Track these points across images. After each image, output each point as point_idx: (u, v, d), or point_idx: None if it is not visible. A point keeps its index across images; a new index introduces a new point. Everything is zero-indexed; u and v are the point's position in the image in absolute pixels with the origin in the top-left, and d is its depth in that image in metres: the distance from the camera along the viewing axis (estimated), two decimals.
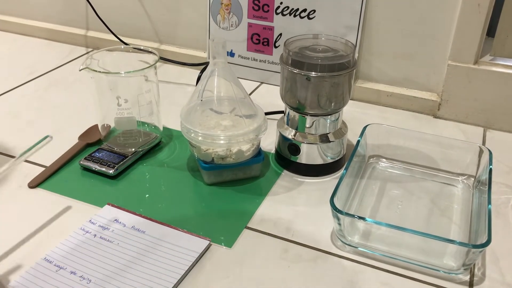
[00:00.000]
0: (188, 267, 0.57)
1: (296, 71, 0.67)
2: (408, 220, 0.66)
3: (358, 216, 0.59)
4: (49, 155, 0.76)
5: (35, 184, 0.70)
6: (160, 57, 1.03)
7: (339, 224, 0.60)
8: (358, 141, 0.72)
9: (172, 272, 0.56)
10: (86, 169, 0.74)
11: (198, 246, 0.59)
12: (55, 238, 0.61)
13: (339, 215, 0.59)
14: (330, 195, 0.60)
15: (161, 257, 0.58)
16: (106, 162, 0.73)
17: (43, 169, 0.73)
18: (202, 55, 1.05)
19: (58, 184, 0.71)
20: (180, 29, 1.07)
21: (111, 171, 0.72)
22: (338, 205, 0.59)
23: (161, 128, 0.80)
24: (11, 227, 0.63)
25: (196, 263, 0.58)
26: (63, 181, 0.71)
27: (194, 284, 0.56)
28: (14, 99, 0.94)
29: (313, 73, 0.67)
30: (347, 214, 0.58)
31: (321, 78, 0.67)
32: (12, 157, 0.76)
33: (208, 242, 0.60)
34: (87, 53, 1.13)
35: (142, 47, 0.78)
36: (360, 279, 0.57)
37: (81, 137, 0.81)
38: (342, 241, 0.62)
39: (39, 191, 0.70)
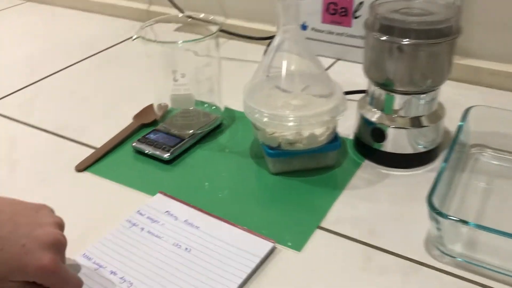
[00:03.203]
0: (247, 274, 0.47)
1: (384, 38, 0.55)
2: None
3: (474, 224, 0.46)
4: (101, 136, 0.69)
5: (83, 167, 0.63)
6: (224, 30, 0.94)
7: (438, 228, 0.48)
8: (460, 126, 0.58)
9: (228, 280, 0.46)
10: (139, 152, 0.66)
11: (260, 249, 0.49)
12: (98, 230, 0.53)
13: (439, 218, 0.46)
14: (422, 191, 0.48)
15: (216, 260, 0.48)
16: (160, 144, 0.65)
17: (92, 150, 0.66)
18: (270, 29, 0.95)
19: (107, 168, 0.63)
20: (247, 1, 0.96)
21: (165, 155, 0.63)
22: (436, 204, 0.47)
23: (222, 109, 0.71)
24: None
25: (257, 269, 0.48)
26: (113, 165, 0.64)
27: None
28: (71, 75, 0.89)
29: (406, 40, 0.54)
30: (450, 217, 0.46)
31: (416, 46, 0.54)
32: (61, 137, 0.70)
33: (272, 244, 0.50)
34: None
35: (202, 15, 0.68)
36: None
37: (135, 117, 0.73)
38: (440, 250, 0.49)
39: (86, 175, 0.63)
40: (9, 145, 0.69)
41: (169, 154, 0.63)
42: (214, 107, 0.70)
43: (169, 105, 0.69)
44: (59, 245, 0.43)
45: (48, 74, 0.89)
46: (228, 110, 0.74)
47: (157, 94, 0.69)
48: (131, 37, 1.01)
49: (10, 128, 0.73)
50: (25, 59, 0.95)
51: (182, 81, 0.64)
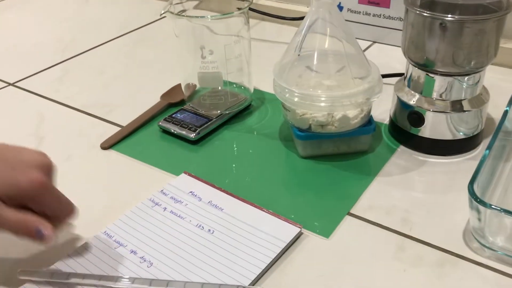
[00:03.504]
0: (272, 259, 0.44)
1: (426, 14, 0.51)
2: None
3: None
4: (128, 114, 0.68)
5: (108, 145, 0.62)
6: (256, 10, 0.91)
7: (479, 219, 0.44)
8: (506, 112, 0.54)
9: (251, 264, 0.44)
10: (166, 131, 0.64)
11: (286, 234, 0.47)
12: (120, 207, 0.52)
13: (481, 207, 0.42)
14: (461, 180, 0.45)
15: (239, 243, 0.46)
16: (187, 124, 0.63)
17: (118, 129, 0.65)
18: (304, 9, 0.91)
19: (133, 147, 0.62)
20: None
21: (192, 135, 0.61)
22: (478, 193, 0.43)
23: (252, 90, 0.68)
24: (76, 191, 0.55)
25: (283, 254, 0.46)
26: (138, 144, 0.63)
27: (279, 280, 0.44)
28: (101, 54, 0.88)
29: (450, 16, 0.50)
30: (494, 207, 0.42)
31: (460, 23, 0.50)
32: (88, 114, 0.69)
33: (299, 229, 0.47)
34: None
35: None
36: None
37: (163, 96, 0.72)
38: (480, 243, 0.46)
39: (111, 153, 0.61)
40: (37, 121, 0.69)
41: (195, 134, 0.62)
42: (243, 88, 0.67)
43: (197, 85, 0.67)
44: (48, 167, 0.43)
45: (78, 53, 0.88)
46: (257, 91, 0.72)
47: (185, 73, 0.67)
48: (159, 19, 1.00)
49: (39, 105, 0.73)
50: (56, 38, 0.95)
51: (210, 59, 0.62)
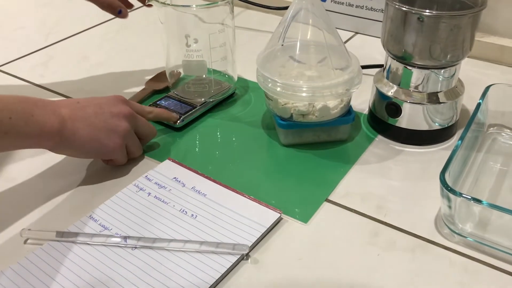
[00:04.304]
0: (252, 242, 0.46)
1: (405, 8, 0.53)
2: None
3: (487, 203, 0.44)
4: None
5: None
6: None
7: (450, 207, 0.46)
8: (479, 104, 0.56)
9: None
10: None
11: (267, 219, 0.49)
12: (105, 192, 0.53)
13: (451, 195, 0.45)
14: (435, 169, 0.47)
15: (221, 227, 0.48)
16: (171, 111, 0.64)
17: None
18: None
19: None
20: None
21: (176, 122, 0.63)
22: (449, 182, 0.46)
23: (235, 78, 0.69)
24: (61, 177, 0.56)
25: (263, 238, 0.48)
26: None
27: (259, 264, 0.46)
28: (84, 40, 0.88)
29: (427, 11, 0.52)
30: (463, 195, 0.44)
31: (437, 18, 0.52)
32: None
33: (279, 214, 0.49)
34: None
35: None
36: (473, 280, 0.44)
37: (147, 83, 0.72)
38: (450, 229, 0.48)
39: None
40: None
41: (179, 121, 0.63)
42: (227, 76, 0.68)
43: (182, 72, 0.68)
44: (129, 116, 0.55)
45: (62, 38, 0.88)
46: (241, 80, 0.73)
47: (169, 60, 0.68)
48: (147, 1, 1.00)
49: (23, 90, 0.73)
50: (40, 22, 0.94)
51: (195, 47, 0.63)
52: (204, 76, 0.66)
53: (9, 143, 0.47)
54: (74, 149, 0.52)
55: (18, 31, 0.91)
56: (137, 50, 0.84)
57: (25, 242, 0.48)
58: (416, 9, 0.52)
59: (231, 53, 0.67)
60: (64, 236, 0.47)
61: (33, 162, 0.58)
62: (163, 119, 0.63)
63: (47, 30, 0.91)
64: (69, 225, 0.49)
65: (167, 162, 0.57)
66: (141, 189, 0.53)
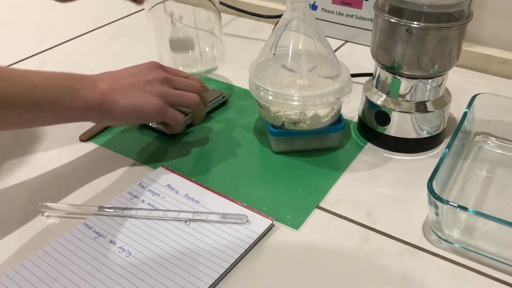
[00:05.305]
0: (245, 249, 0.47)
1: (394, 20, 0.54)
2: None
3: (473, 211, 0.46)
4: None
5: (87, 137, 0.64)
6: (233, 7, 0.93)
7: (437, 214, 0.48)
8: (465, 113, 0.58)
9: (225, 254, 0.47)
10: (144, 125, 0.66)
11: (259, 226, 0.50)
12: (99, 199, 0.54)
13: (438, 202, 0.46)
14: (423, 176, 0.48)
15: (214, 234, 0.49)
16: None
17: None
18: (280, 7, 0.94)
19: (111, 140, 0.64)
20: None
21: (168, 131, 0.63)
22: (436, 190, 0.47)
23: (223, 55, 0.69)
24: (54, 183, 0.57)
25: (255, 245, 0.49)
26: (117, 137, 0.64)
27: (251, 270, 0.46)
28: (78, 46, 0.89)
29: (415, 23, 0.53)
30: (450, 203, 0.46)
31: (425, 30, 0.53)
32: None
33: (270, 221, 0.50)
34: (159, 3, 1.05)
35: None
36: (459, 285, 0.45)
37: None
38: (437, 235, 0.50)
39: (90, 145, 0.63)
40: None
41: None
42: (215, 51, 0.69)
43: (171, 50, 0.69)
44: (164, 79, 0.59)
45: (55, 44, 0.89)
46: (234, 87, 0.74)
47: (157, 57, 0.69)
48: (138, 11, 1.01)
49: None
50: (33, 28, 0.95)
51: (180, 25, 0.64)
52: (190, 53, 0.67)
53: (57, 116, 0.52)
54: (116, 119, 0.56)
55: (11, 36, 0.92)
56: (130, 56, 0.84)
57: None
58: (404, 21, 0.54)
59: (218, 28, 0.67)
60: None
61: (25, 172, 0.58)
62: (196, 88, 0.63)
63: (40, 35, 0.91)
64: (63, 232, 0.49)
65: (160, 169, 0.58)
66: (135, 196, 0.54)
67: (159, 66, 0.60)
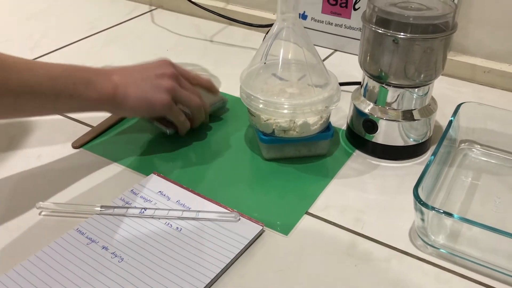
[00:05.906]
0: (235, 255, 0.48)
1: (381, 31, 0.56)
2: (508, 221, 0.53)
3: (458, 217, 0.47)
4: (99, 114, 0.69)
5: (79, 144, 0.64)
6: (225, 16, 0.94)
7: (423, 220, 0.49)
8: (451, 122, 0.59)
9: (216, 259, 0.48)
10: (145, 122, 0.67)
11: (249, 231, 0.51)
12: (92, 206, 0.54)
13: (424, 208, 0.47)
14: (409, 183, 0.50)
15: (205, 239, 0.50)
16: (165, 122, 0.65)
17: (89, 128, 0.67)
18: (271, 16, 0.95)
19: (104, 146, 0.64)
20: None
21: (168, 130, 0.65)
22: (422, 196, 0.48)
23: None
24: (46, 190, 0.57)
25: (245, 250, 0.50)
26: (109, 144, 0.65)
27: (241, 275, 0.47)
28: (71, 54, 0.89)
29: (402, 34, 0.55)
30: (435, 209, 0.47)
31: (411, 41, 0.55)
32: (61, 114, 0.71)
33: (261, 227, 0.51)
34: (150, 11, 1.07)
35: None
36: None
37: None
38: (423, 240, 0.51)
39: (82, 152, 0.64)
40: (8, 120, 0.70)
41: (169, 131, 0.64)
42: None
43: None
44: (174, 76, 0.61)
45: (48, 52, 0.89)
46: (225, 95, 0.75)
47: None
48: (131, 19, 1.02)
49: None
50: (25, 36, 0.95)
51: None
52: None
53: (73, 105, 0.55)
54: (127, 110, 0.60)
55: (3, 44, 0.92)
56: (122, 64, 0.85)
57: None
58: (391, 31, 0.55)
59: None
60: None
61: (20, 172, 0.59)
62: (205, 87, 0.67)
63: (33, 43, 0.92)
64: (56, 238, 0.50)
65: (152, 176, 0.59)
66: (127, 202, 0.54)
67: (170, 64, 0.63)
